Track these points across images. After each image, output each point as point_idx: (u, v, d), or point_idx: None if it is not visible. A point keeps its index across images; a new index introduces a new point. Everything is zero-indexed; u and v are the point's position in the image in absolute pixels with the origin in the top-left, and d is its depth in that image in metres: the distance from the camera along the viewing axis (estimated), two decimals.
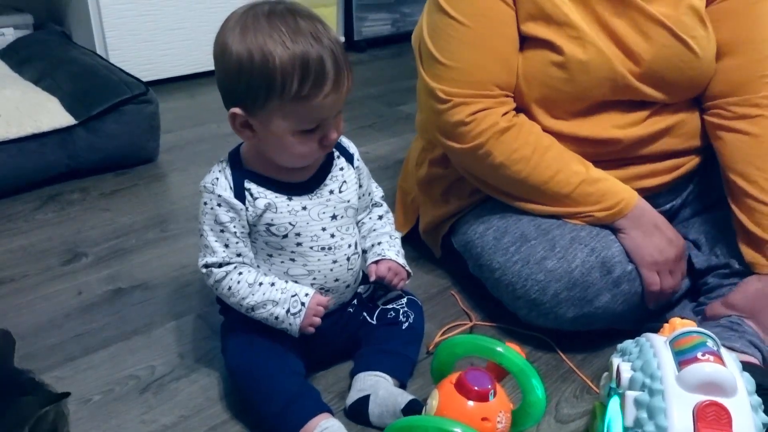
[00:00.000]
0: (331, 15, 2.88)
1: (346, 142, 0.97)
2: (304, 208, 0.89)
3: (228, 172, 0.87)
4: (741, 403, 0.64)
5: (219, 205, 0.86)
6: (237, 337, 0.93)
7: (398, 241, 1.00)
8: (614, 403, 0.73)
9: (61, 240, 1.40)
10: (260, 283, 0.88)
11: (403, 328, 0.98)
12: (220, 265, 0.89)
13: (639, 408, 0.68)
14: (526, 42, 1.05)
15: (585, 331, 1.05)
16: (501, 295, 1.09)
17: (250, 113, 0.81)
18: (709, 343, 0.69)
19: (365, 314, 1.00)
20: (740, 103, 1.05)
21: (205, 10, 2.46)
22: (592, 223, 1.04)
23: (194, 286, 1.23)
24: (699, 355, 0.67)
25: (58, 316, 1.15)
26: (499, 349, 0.80)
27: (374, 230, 1.00)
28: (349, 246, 0.94)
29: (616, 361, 0.77)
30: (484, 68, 1.03)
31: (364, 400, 0.89)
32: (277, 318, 0.87)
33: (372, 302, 1.02)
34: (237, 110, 0.81)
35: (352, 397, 0.91)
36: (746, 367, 0.74)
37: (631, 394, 0.69)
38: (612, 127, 1.05)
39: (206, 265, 0.89)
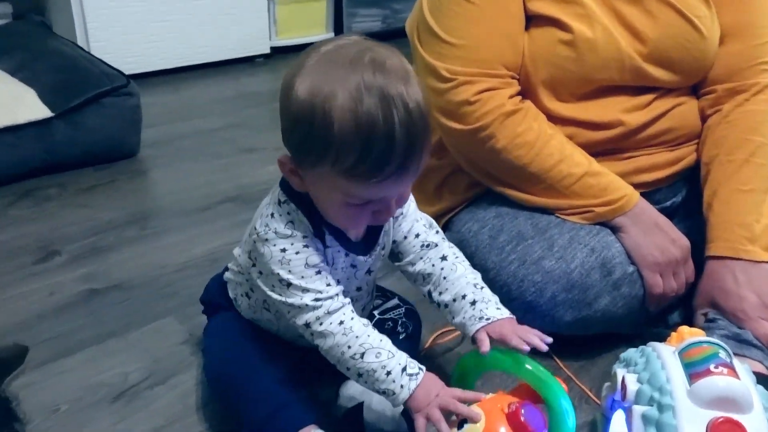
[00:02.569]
0: (320, 10, 2.82)
1: None
2: (354, 266, 0.80)
3: (299, 212, 0.74)
4: (757, 419, 0.59)
5: (306, 246, 0.74)
6: (223, 340, 0.87)
7: (487, 289, 0.83)
8: (618, 417, 0.68)
9: (35, 237, 1.33)
10: (374, 329, 0.76)
11: (401, 338, 0.92)
12: (331, 298, 0.75)
13: (647, 424, 0.63)
14: (533, 20, 1.01)
15: (583, 335, 1.00)
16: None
17: (299, 166, 0.70)
18: (722, 354, 0.64)
19: None
20: (732, 88, 1.05)
21: (192, 2, 2.39)
22: (592, 220, 0.99)
23: (174, 287, 1.17)
24: (711, 367, 0.62)
25: (28, 318, 1.08)
26: (549, 382, 0.72)
27: (445, 278, 0.84)
28: (368, 294, 0.88)
29: (620, 371, 0.72)
30: (490, 46, 0.99)
31: (358, 408, 0.84)
32: (388, 373, 0.72)
33: (368, 313, 0.95)
34: (285, 159, 0.71)
35: (343, 404, 0.85)
36: (759, 378, 0.69)
37: (638, 409, 0.65)
38: (616, 110, 1.02)
39: (317, 299, 0.74)
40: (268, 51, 2.66)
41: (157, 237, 1.36)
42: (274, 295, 0.75)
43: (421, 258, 0.85)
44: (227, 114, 2.07)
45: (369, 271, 0.84)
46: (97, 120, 1.63)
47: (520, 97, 1.02)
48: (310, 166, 0.68)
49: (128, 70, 2.09)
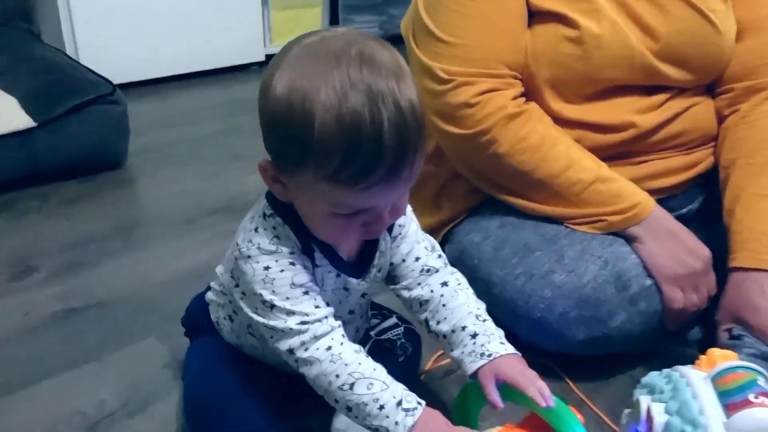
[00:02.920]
0: (316, 16, 2.75)
1: None
2: (346, 289, 0.73)
3: (286, 227, 0.67)
4: None
5: (293, 264, 0.66)
6: (202, 369, 0.79)
7: (491, 321, 0.75)
8: None
9: (12, 252, 1.26)
10: (367, 356, 0.68)
11: (399, 361, 0.84)
12: (320, 321, 0.67)
13: None
14: (536, 17, 0.95)
15: (595, 355, 0.93)
16: (499, 313, 0.95)
17: (281, 172, 0.63)
18: (761, 381, 0.57)
19: None
20: (750, 86, 0.98)
21: (184, 8, 2.33)
22: (604, 230, 0.92)
23: (155, 303, 1.10)
24: (751, 396, 0.55)
25: None
26: (562, 414, 0.64)
27: (445, 306, 0.76)
28: (361, 317, 0.81)
29: (643, 399, 0.65)
30: (490, 44, 0.92)
31: None
32: (381, 407, 0.63)
33: (364, 333, 0.88)
34: (265, 164, 0.64)
35: None
36: None
37: None
38: (627, 111, 0.95)
39: (303, 323, 0.66)
40: (263, 59, 2.59)
41: (141, 250, 1.28)
42: (257, 318, 0.68)
43: (420, 284, 0.77)
44: (217, 121, 2.00)
45: (363, 295, 0.77)
46: (82, 129, 1.55)
47: (523, 99, 0.95)
48: (290, 171, 0.61)
49: (118, 78, 2.03)
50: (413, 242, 0.77)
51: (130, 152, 1.70)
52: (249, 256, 0.66)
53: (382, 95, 0.56)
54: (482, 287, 0.97)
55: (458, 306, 0.75)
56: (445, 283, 0.77)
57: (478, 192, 1.02)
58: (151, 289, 1.14)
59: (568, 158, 0.92)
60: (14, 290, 1.14)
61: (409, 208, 0.77)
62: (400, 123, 0.56)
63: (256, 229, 0.67)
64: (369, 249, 0.74)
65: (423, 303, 0.77)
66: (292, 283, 0.66)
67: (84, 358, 0.97)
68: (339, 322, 0.69)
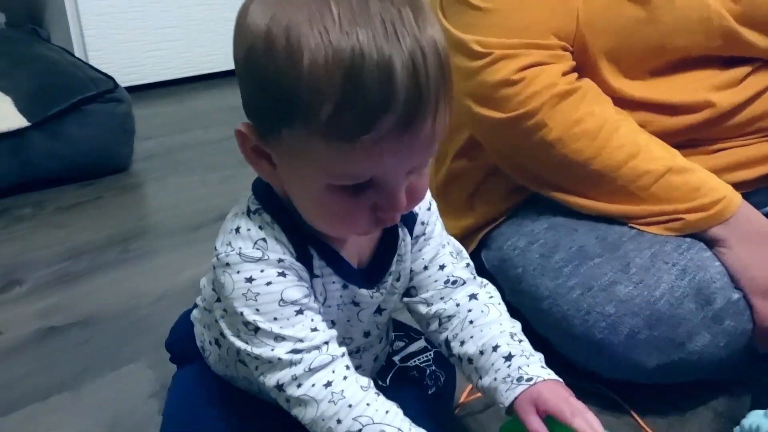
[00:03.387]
0: None
1: None
2: (356, 304, 0.59)
3: (276, 226, 0.53)
4: None
5: (282, 273, 0.52)
6: (185, 405, 0.65)
7: (528, 343, 0.61)
8: None
9: None
10: (378, 394, 0.54)
11: (430, 393, 0.69)
12: (317, 348, 0.53)
13: None
14: None
15: (669, 383, 0.76)
16: (549, 332, 0.80)
17: (265, 136, 0.49)
18: None
19: (374, 376, 0.70)
20: None
21: (197, 8, 2.22)
22: (680, 231, 0.75)
23: (148, 321, 0.96)
24: None
25: None
26: None
27: (472, 323, 0.62)
28: (381, 341, 0.66)
29: None
30: (534, 9, 0.77)
31: None
32: None
33: (386, 359, 0.72)
34: (245, 129, 0.50)
35: None
36: None
37: None
38: (701, 88, 0.79)
39: (295, 351, 0.52)
40: None
41: (139, 261, 1.15)
42: (239, 343, 0.53)
43: (443, 297, 0.63)
44: (227, 125, 1.86)
45: (380, 310, 0.62)
46: (81, 130, 1.44)
47: (575, 75, 0.80)
48: (276, 133, 0.47)
49: (128, 81, 1.95)
50: (438, 246, 0.63)
51: (137, 156, 1.59)
52: (228, 264, 0.52)
53: (394, 24, 0.42)
54: (528, 301, 0.82)
55: (489, 323, 0.61)
56: (473, 296, 0.63)
57: (521, 189, 0.87)
58: (145, 305, 1.01)
59: (634, 145, 0.76)
60: None
61: (433, 203, 0.63)
62: (417, 58, 0.43)
63: (237, 230, 0.53)
64: (384, 253, 0.59)
65: (445, 320, 0.63)
66: (282, 300, 0.52)
67: (59, 387, 0.83)
68: (342, 350, 0.54)
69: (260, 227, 0.53)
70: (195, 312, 0.68)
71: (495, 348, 0.59)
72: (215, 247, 0.54)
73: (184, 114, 1.98)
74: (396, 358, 0.72)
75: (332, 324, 0.55)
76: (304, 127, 0.44)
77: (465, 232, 0.93)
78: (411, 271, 0.63)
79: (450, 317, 0.62)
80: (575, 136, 0.76)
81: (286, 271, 0.52)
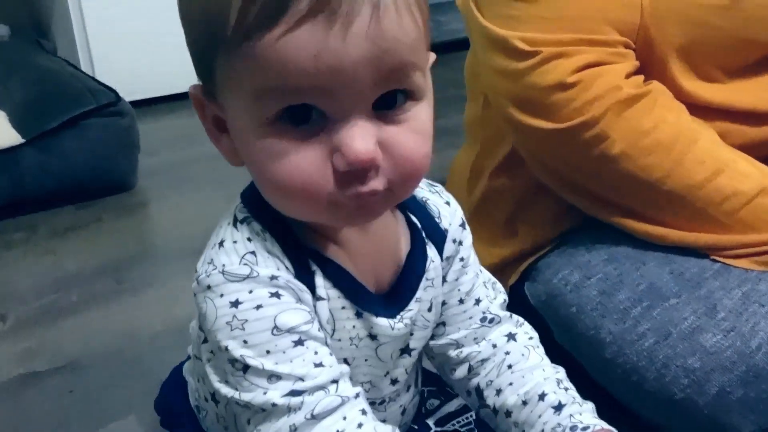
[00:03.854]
0: None
1: (436, 201, 0.53)
2: (373, 338, 0.48)
3: (267, 236, 0.44)
4: None
5: (276, 294, 0.42)
6: None
7: (574, 390, 0.53)
8: None
9: None
10: None
11: None
12: (322, 389, 0.42)
13: None
14: None
15: None
16: (614, 384, 0.67)
17: (207, 92, 0.43)
18: None
19: None
20: None
21: None
22: None
23: (140, 364, 0.84)
24: None
25: None
26: None
27: (510, 368, 0.53)
28: (408, 389, 0.54)
29: None
30: None
31: None
32: None
33: (418, 420, 0.59)
34: (194, 89, 0.44)
35: None
36: None
37: None
38: None
39: (294, 393, 0.41)
40: None
41: (134, 292, 1.03)
42: (226, 390, 0.43)
43: (476, 338, 0.54)
44: None
45: (408, 350, 0.50)
46: (79, 145, 1.33)
47: (641, 77, 0.67)
48: (210, 69, 0.40)
49: (137, 94, 1.87)
50: (474, 276, 0.54)
51: (141, 173, 1.47)
52: (209, 287, 0.42)
53: None
54: (585, 347, 0.69)
55: (531, 368, 0.53)
56: (511, 336, 0.55)
57: (573, 211, 0.74)
58: (137, 345, 0.89)
59: (717, 160, 0.63)
60: None
61: (466, 222, 0.53)
62: None
63: (221, 243, 0.44)
64: (410, 275, 0.49)
65: (477, 364, 0.54)
66: (276, 327, 0.41)
67: None
68: (357, 390, 0.44)
69: (249, 239, 0.43)
70: (187, 364, 0.56)
71: (542, 396, 0.51)
72: (196, 269, 0.43)
73: (191, 128, 1.87)
74: (430, 421, 0.60)
75: (343, 361, 0.44)
76: (223, 46, 0.38)
77: (504, 262, 0.80)
78: (443, 303, 0.52)
79: (483, 361, 0.54)
80: (645, 149, 0.63)
81: (281, 291, 0.42)
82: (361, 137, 0.38)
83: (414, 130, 0.40)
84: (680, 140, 0.63)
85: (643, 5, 0.65)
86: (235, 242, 0.43)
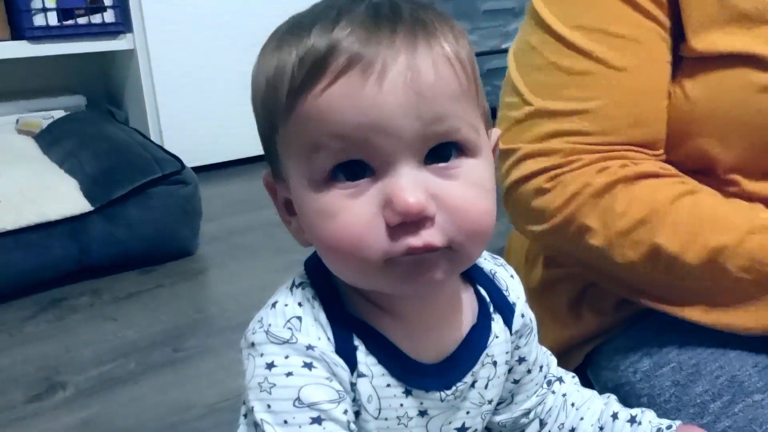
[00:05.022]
0: None
1: (503, 274, 0.51)
2: (422, 414, 0.45)
3: (317, 303, 0.43)
4: None
5: (309, 365, 0.41)
6: None
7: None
8: None
9: (41, 363, 1.04)
10: None
11: None
12: None
13: None
14: (702, 63, 0.63)
15: None
16: None
17: (274, 172, 0.45)
18: None
19: None
20: None
21: None
22: None
23: None
24: None
25: None
26: None
27: (573, 406, 0.55)
28: None
29: None
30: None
31: None
32: None
33: None
34: (266, 175, 0.46)
35: None
36: None
37: None
38: None
39: None
40: None
41: (190, 362, 1.03)
42: None
43: (541, 404, 0.55)
44: None
45: (463, 429, 0.48)
46: (143, 213, 1.37)
47: (620, 162, 0.64)
48: (273, 148, 0.43)
49: (201, 160, 1.92)
50: (536, 344, 0.54)
51: (203, 238, 1.50)
52: (252, 344, 0.42)
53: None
54: None
55: (590, 399, 0.56)
56: (560, 380, 0.56)
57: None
58: (191, 419, 0.88)
59: (739, 215, 0.60)
60: (30, 415, 0.91)
61: (526, 307, 0.52)
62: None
63: (274, 304, 0.44)
64: (471, 346, 0.47)
65: (546, 416, 0.55)
66: (298, 399, 0.40)
67: None
68: None
69: (299, 303, 0.43)
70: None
71: (614, 416, 0.53)
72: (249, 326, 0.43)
73: (250, 193, 1.91)
74: None
75: None
76: (280, 117, 0.40)
77: (567, 345, 0.76)
78: (515, 381, 0.53)
79: (550, 410, 0.55)
80: (623, 231, 0.61)
81: (315, 363, 0.41)
82: (409, 186, 0.37)
83: (470, 185, 0.40)
84: (660, 209, 0.60)
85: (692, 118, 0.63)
86: (286, 305, 0.43)
